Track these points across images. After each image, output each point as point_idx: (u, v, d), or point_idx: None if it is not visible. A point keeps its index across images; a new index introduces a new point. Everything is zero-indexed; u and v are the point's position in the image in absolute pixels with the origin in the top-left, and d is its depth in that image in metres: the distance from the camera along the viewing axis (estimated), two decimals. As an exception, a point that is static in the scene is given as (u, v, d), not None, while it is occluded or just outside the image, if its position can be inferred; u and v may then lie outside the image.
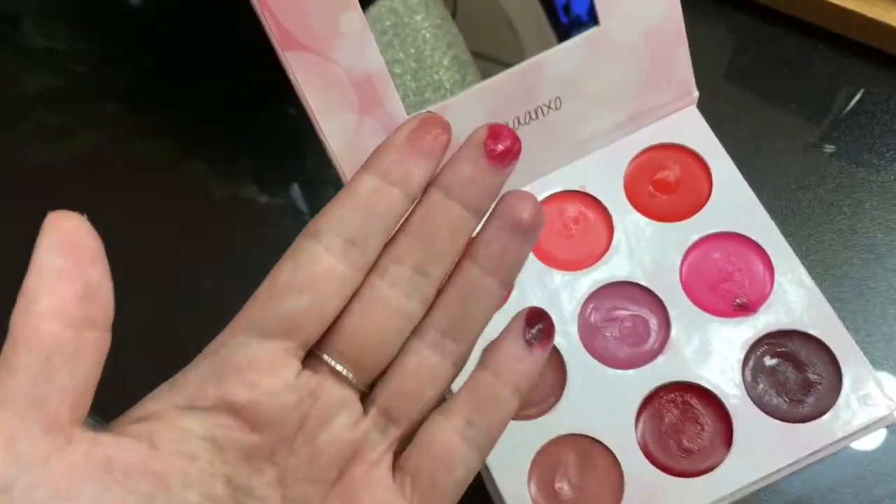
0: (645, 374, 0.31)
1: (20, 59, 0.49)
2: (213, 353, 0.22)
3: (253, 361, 0.22)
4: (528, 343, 0.24)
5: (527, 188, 0.33)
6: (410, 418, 0.24)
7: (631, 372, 0.31)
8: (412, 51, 0.32)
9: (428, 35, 0.33)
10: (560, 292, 0.32)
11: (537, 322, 0.24)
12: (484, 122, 0.31)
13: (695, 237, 0.32)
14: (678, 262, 0.32)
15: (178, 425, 0.21)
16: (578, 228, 0.33)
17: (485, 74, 0.31)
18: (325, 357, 0.23)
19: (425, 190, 0.24)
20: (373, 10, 0.32)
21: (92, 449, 0.20)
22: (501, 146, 0.24)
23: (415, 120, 0.24)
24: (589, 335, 0.31)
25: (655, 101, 0.33)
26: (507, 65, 0.31)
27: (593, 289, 0.32)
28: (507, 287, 0.24)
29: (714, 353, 0.31)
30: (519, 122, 0.32)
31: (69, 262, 0.20)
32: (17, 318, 0.19)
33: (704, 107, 0.34)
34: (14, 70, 0.48)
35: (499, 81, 0.31)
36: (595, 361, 0.31)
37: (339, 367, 0.23)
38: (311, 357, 0.23)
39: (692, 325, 0.31)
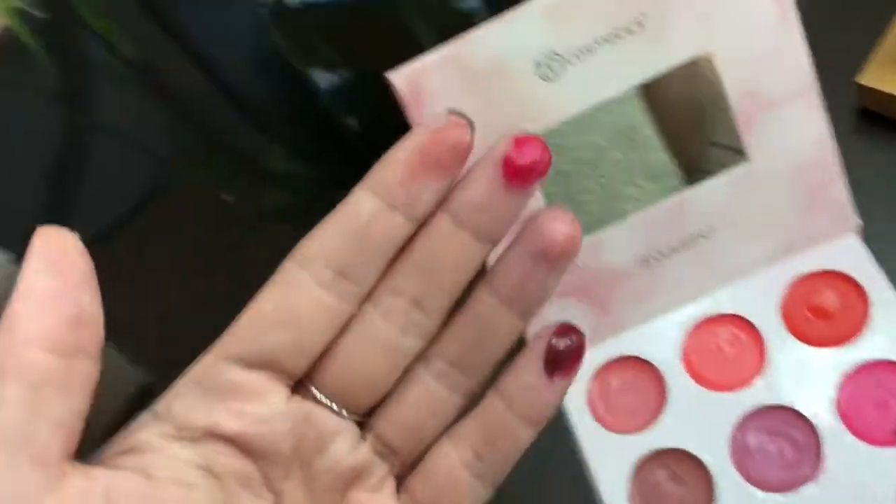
0: (796, 500, 0.31)
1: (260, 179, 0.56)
2: (195, 379, 0.21)
3: (239, 390, 0.20)
4: (549, 371, 0.22)
5: (677, 313, 0.35)
6: (412, 448, 0.22)
7: (779, 497, 0.31)
8: (602, 181, 0.35)
9: (621, 165, 0.35)
10: (711, 413, 0.33)
11: (561, 344, 0.22)
12: (635, 251, 0.33)
13: (852, 364, 0.33)
14: (834, 389, 0.32)
15: (170, 455, 0.20)
16: (732, 351, 0.34)
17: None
18: (313, 390, 0.21)
19: (434, 212, 0.21)
20: (575, 140, 0.35)
21: (87, 483, 0.19)
22: (522, 162, 0.21)
23: (428, 127, 0.21)
24: (739, 456, 0.32)
25: (811, 230, 0.34)
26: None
27: (747, 411, 0.33)
28: (526, 320, 0.22)
29: (869, 483, 0.31)
30: (672, 250, 0.34)
31: (59, 284, 0.18)
32: (2, 346, 0.18)
33: (865, 231, 0.35)
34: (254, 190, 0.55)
35: (651, 214, 0.33)
36: (745, 482, 0.32)
37: (326, 402, 0.21)
38: (302, 384, 0.22)
39: (847, 453, 0.31)
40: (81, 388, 0.18)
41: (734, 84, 0.31)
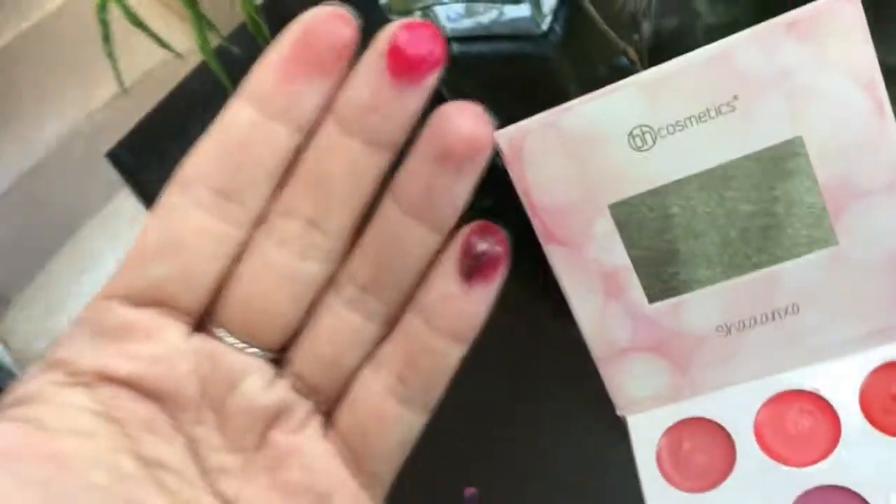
0: None
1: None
2: (83, 323, 0.19)
3: (129, 329, 0.19)
4: (466, 277, 0.20)
5: (756, 384, 0.36)
6: (332, 382, 0.21)
7: None
8: (684, 242, 0.37)
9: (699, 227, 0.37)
10: (775, 484, 0.34)
11: (477, 245, 0.20)
12: (718, 318, 0.35)
13: None
14: None
15: (63, 402, 0.18)
16: (805, 428, 0.35)
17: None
18: (213, 327, 0.20)
19: (321, 119, 0.19)
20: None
21: None
22: (412, 52, 0.18)
23: (303, 22, 0.18)
24: None
25: (901, 320, 0.35)
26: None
27: (810, 487, 0.33)
28: (440, 232, 0.20)
29: None
30: (756, 322, 0.35)
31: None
32: None
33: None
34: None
35: (737, 284, 0.35)
36: None
37: (230, 339, 0.20)
38: (204, 322, 0.20)
39: None
40: None
41: (823, 169, 0.32)
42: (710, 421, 0.36)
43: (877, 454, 0.33)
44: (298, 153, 0.19)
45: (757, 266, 0.35)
